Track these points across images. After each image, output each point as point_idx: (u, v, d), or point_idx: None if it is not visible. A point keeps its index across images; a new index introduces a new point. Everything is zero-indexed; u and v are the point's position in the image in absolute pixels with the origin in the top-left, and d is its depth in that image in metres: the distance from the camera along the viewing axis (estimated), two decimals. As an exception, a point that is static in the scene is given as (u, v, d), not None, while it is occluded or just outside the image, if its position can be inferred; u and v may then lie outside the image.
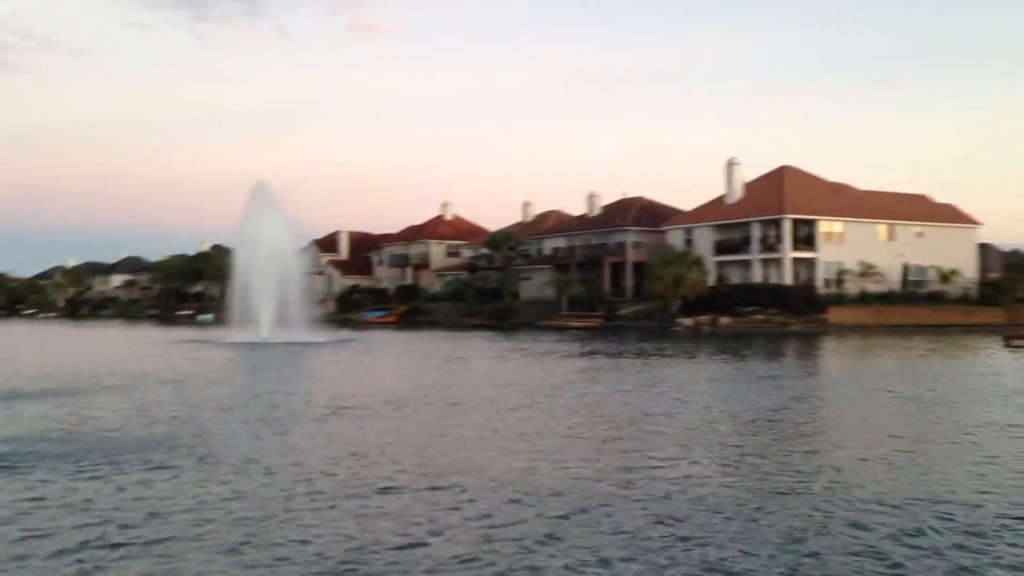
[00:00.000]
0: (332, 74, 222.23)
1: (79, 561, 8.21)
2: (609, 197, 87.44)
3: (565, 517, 9.77)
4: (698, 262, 64.30)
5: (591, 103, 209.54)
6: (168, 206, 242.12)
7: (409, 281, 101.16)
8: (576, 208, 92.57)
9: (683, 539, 8.95)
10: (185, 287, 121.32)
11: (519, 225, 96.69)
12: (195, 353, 38.70)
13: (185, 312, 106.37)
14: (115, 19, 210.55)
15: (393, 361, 34.96)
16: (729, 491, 11.02)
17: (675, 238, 72.78)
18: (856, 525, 9.46)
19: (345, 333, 58.21)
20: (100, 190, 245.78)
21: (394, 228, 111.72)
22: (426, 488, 11.14)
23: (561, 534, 9.13)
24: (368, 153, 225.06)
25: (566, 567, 8.08)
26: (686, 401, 20.34)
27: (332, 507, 10.22)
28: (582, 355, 36.51)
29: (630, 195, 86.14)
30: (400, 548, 8.62)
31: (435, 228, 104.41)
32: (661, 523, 9.53)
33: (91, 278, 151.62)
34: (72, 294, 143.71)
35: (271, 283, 47.07)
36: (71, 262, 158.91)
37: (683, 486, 11.30)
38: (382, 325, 78.03)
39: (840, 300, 62.02)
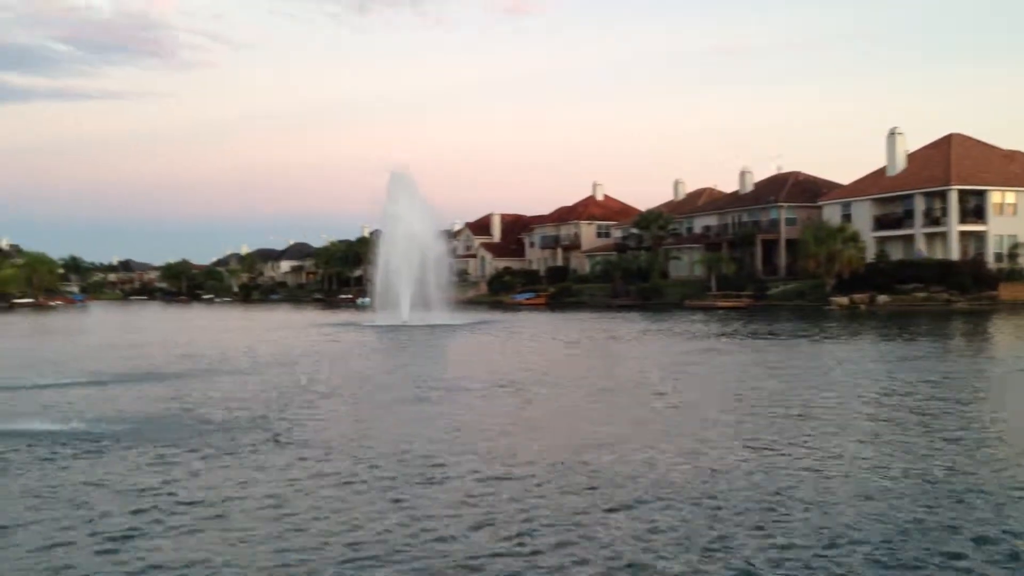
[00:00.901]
0: (486, 57, 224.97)
1: (100, 550, 8.34)
2: (763, 173, 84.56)
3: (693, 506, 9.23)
4: (854, 238, 61.13)
5: (745, 76, 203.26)
6: (333, 192, 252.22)
7: (560, 262, 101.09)
8: (729, 186, 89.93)
9: (825, 530, 8.27)
10: (347, 271, 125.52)
11: (670, 204, 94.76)
12: (334, 336, 39.84)
13: (346, 296, 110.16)
14: (279, 13, 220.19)
15: (522, 342, 34.76)
16: (869, 482, 10.17)
17: (832, 213, 69.39)
18: (989, 522, 8.60)
19: (488, 315, 58.76)
20: (271, 179, 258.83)
21: (546, 210, 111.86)
22: (474, 476, 10.78)
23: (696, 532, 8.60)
24: (522, 135, 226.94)
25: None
26: (824, 385, 19.05)
27: (384, 493, 10.03)
28: (720, 336, 35.25)
29: (785, 170, 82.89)
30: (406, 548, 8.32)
31: (586, 209, 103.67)
32: (816, 523, 8.84)
33: (262, 264, 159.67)
34: (245, 280, 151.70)
35: (410, 267, 47.97)
36: (244, 249, 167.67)
37: (827, 477, 10.49)
38: (531, 307, 78.28)
39: (1012, 275, 57.51)
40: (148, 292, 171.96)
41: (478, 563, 7.61)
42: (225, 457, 12.12)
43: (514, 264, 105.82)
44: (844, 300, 57.29)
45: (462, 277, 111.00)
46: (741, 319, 47.85)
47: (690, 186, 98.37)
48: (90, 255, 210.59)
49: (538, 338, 37.20)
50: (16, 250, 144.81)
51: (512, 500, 9.62)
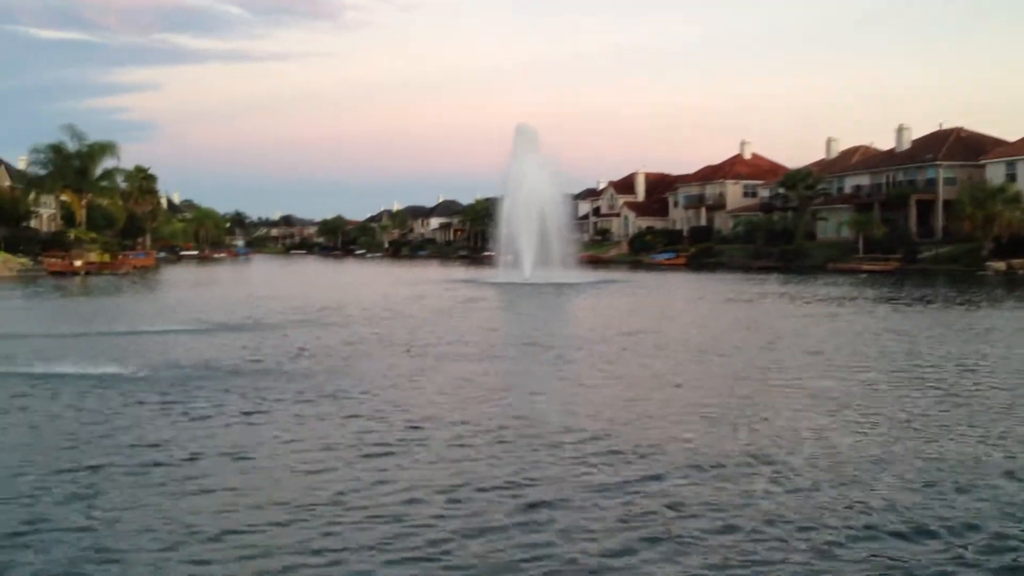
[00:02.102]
0: (638, 21, 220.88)
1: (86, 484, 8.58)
2: (924, 129, 79.35)
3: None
4: (1016, 199, 56.69)
5: (907, 28, 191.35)
6: (483, 151, 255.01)
7: (703, 222, 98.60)
8: (886, 144, 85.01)
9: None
10: (492, 228, 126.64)
11: (821, 163, 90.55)
12: (454, 291, 40.17)
13: (490, 252, 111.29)
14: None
15: (634, 302, 34.07)
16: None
17: (995, 173, 64.55)
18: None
19: (620, 274, 57.99)
20: (423, 137, 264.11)
21: (693, 168, 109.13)
22: (483, 441, 10.55)
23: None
24: (671, 95, 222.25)
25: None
26: (951, 359, 17.76)
27: (365, 456, 9.96)
28: (844, 299, 33.45)
29: (947, 126, 77.55)
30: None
31: (732, 167, 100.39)
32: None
33: (412, 220, 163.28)
34: (395, 235, 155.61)
35: (532, 225, 47.71)
36: (396, 206, 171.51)
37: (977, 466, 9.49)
38: (670, 267, 76.86)
39: None
40: (307, 246, 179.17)
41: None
42: (250, 410, 12.26)
43: (657, 223, 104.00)
44: (1001, 265, 53.38)
45: (605, 236, 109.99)
46: (884, 283, 45.26)
47: (844, 144, 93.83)
48: (254, 210, 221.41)
49: (654, 298, 36.41)
50: (188, 205, 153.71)
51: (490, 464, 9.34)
